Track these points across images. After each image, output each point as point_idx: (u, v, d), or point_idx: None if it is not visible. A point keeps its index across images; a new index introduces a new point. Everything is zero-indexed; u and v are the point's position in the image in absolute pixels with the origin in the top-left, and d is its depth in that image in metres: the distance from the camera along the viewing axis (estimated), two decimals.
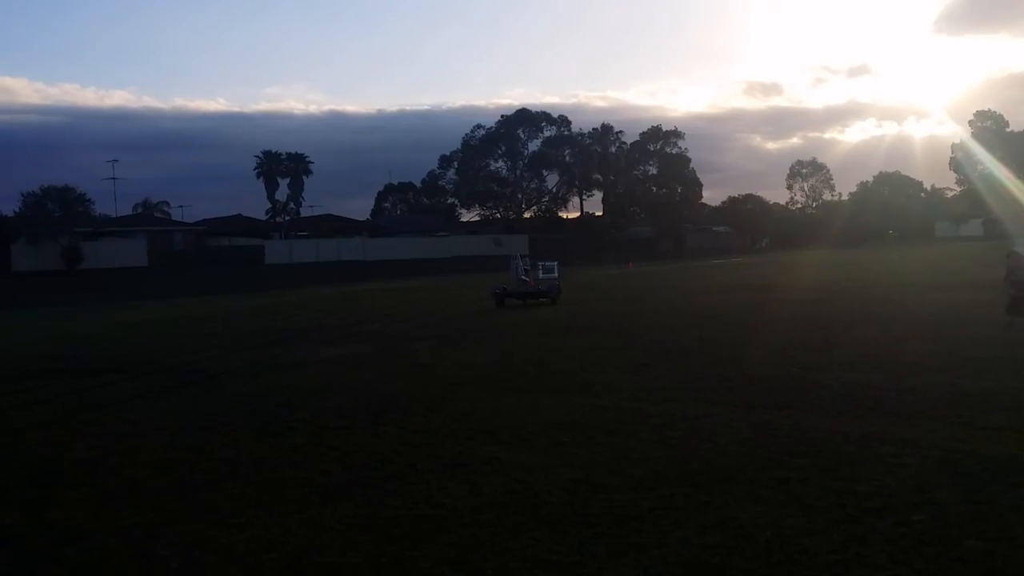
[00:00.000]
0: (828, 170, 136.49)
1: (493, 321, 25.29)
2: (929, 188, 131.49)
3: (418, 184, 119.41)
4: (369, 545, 6.28)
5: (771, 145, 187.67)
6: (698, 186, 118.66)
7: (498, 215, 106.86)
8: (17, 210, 71.25)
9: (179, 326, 29.13)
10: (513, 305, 30.01)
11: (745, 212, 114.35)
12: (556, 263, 33.21)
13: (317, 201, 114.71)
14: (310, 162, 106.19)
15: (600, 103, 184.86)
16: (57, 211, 69.64)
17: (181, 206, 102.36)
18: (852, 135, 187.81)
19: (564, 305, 29.22)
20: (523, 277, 30.87)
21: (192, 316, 34.24)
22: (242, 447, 9.75)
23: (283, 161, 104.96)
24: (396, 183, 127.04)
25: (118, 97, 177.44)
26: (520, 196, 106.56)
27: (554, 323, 23.28)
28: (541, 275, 32.04)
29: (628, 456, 8.43)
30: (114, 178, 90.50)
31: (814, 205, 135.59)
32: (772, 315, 22.55)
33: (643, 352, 16.13)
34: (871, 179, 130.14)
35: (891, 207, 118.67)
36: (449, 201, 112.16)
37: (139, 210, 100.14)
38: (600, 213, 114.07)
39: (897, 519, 6.29)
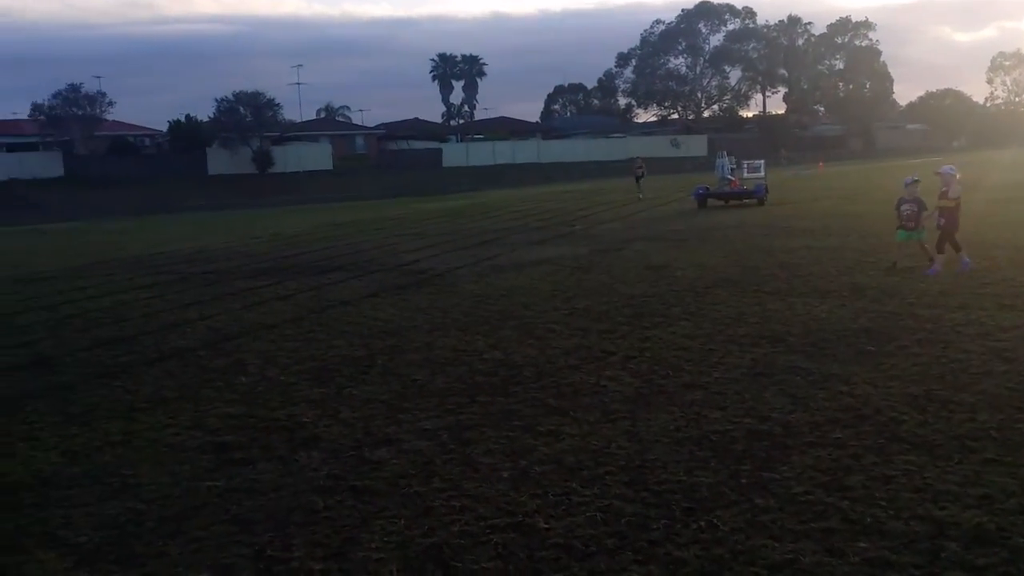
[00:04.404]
0: None
1: (703, 222, 24.10)
2: None
3: (588, 85, 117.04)
4: (714, 462, 5.60)
5: (961, 36, 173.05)
6: (889, 81, 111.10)
7: (675, 115, 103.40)
8: (211, 115, 74.18)
9: (381, 227, 29.38)
10: (715, 207, 28.67)
11: (943, 109, 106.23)
12: (763, 161, 31.37)
13: (486, 104, 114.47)
14: (484, 64, 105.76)
15: None
16: (248, 116, 72.02)
17: (361, 110, 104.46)
18: None
19: (772, 206, 27.62)
20: (728, 176, 29.33)
21: (388, 217, 34.62)
22: (510, 349, 9.27)
23: (458, 64, 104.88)
24: (566, 85, 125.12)
25: (289, 5, 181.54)
26: (700, 95, 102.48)
27: (773, 224, 21.92)
28: (746, 174, 30.38)
29: (964, 370, 7.39)
30: (299, 83, 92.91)
31: (1017, 100, 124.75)
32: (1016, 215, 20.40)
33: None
34: None
35: None
36: (625, 102, 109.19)
37: (322, 115, 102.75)
38: (781, 111, 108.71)
39: None
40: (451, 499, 5.25)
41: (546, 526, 4.78)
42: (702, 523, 4.70)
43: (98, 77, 73.20)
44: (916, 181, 13.24)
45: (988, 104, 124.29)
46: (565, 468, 5.67)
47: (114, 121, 77.37)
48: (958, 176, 12.95)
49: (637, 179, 37.78)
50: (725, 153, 31.59)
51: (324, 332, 10.81)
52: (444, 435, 6.48)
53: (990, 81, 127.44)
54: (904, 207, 13.24)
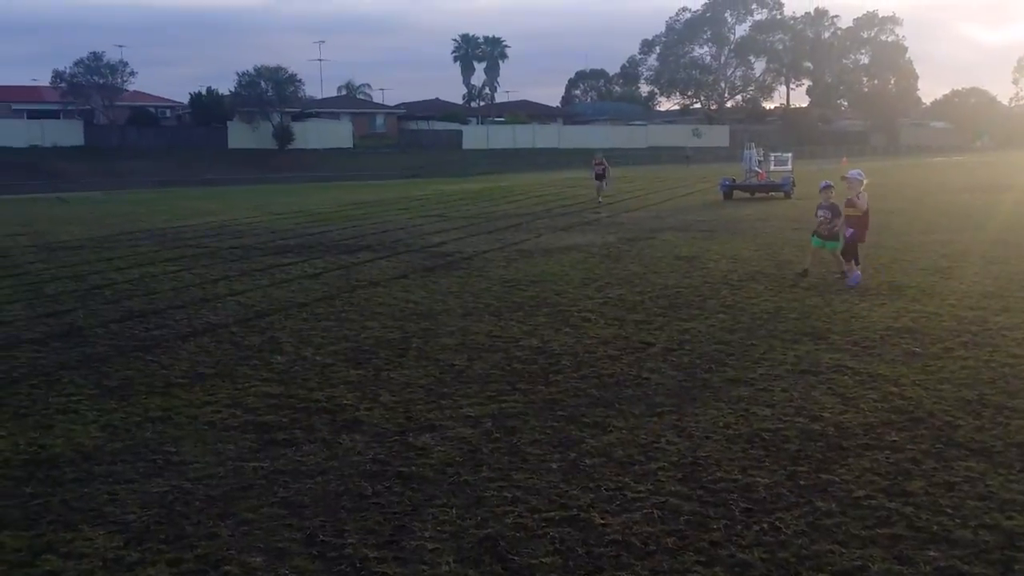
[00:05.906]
0: None
1: (730, 214, 23.94)
2: None
3: (610, 71, 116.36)
4: (768, 462, 5.49)
5: (988, 35, 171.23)
6: (914, 78, 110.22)
7: (698, 104, 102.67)
8: (232, 89, 74.06)
9: (404, 207, 29.30)
10: (741, 198, 28.46)
11: (968, 107, 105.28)
12: (791, 155, 31.16)
13: (507, 87, 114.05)
14: (507, 46, 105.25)
15: None
16: (269, 91, 71.90)
17: (382, 89, 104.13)
18: None
19: (800, 200, 27.40)
20: (755, 168, 29.08)
21: (411, 197, 34.54)
22: (546, 336, 9.16)
23: (480, 45, 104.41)
24: (588, 70, 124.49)
25: None
26: (723, 85, 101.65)
27: (802, 218, 21.67)
28: (773, 167, 30.13)
29: (1016, 375, 7.24)
30: (320, 60, 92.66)
31: None
32: None
33: (935, 254, 14.61)
34: None
35: None
36: (647, 90, 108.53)
37: (343, 92, 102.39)
38: (803, 105, 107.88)
39: None
40: (502, 490, 5.15)
41: (602, 522, 4.68)
42: (764, 525, 4.59)
43: (120, 46, 73.60)
44: (829, 186, 12.73)
45: (1013, 105, 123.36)
46: (616, 462, 5.57)
47: (135, 91, 77.42)
48: (865, 182, 12.19)
49: (596, 177, 30.55)
50: (752, 144, 31.28)
51: (356, 313, 10.73)
52: (488, 423, 6.38)
53: (1016, 81, 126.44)
54: (819, 213, 12.63)
